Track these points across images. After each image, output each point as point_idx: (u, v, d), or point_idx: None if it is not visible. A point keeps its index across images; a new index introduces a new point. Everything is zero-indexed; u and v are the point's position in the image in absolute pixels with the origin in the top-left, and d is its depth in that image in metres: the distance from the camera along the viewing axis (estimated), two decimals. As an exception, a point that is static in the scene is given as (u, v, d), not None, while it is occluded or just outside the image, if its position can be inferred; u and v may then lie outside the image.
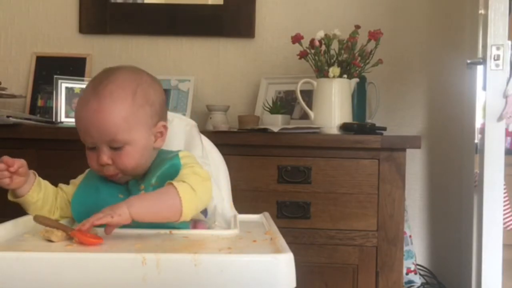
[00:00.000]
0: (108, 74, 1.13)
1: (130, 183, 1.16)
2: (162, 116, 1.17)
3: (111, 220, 0.95)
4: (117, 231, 1.01)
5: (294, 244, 0.97)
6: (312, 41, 1.91)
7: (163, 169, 1.13)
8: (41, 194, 1.16)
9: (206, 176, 1.13)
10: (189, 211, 1.04)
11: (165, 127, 1.18)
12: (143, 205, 1.00)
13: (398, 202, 1.72)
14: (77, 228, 0.96)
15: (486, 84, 1.85)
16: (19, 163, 1.11)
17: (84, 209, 1.12)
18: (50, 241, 0.95)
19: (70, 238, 0.96)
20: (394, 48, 2.24)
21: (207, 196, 1.12)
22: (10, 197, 1.15)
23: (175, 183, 1.05)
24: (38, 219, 1.03)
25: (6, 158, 1.10)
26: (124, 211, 0.97)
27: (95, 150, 1.11)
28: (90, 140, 1.11)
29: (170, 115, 1.30)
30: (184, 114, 2.07)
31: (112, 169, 1.11)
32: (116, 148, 1.09)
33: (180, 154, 1.16)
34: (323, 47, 1.91)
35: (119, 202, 1.02)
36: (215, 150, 1.47)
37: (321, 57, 1.91)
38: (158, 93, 1.16)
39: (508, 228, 2.41)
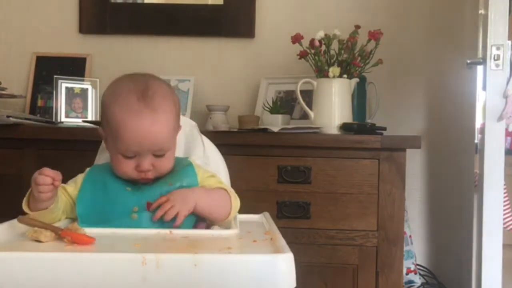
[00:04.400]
0: (145, 82, 1.15)
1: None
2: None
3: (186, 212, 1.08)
4: (116, 231, 1.01)
5: (294, 244, 0.97)
6: (312, 41, 1.91)
7: (177, 170, 1.19)
8: (58, 203, 1.13)
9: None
10: (231, 216, 1.15)
11: (180, 128, 1.24)
12: (207, 201, 1.14)
13: (398, 202, 1.72)
14: (157, 215, 1.05)
15: (486, 84, 1.85)
16: (60, 175, 1.07)
17: (92, 206, 1.14)
18: (39, 241, 0.95)
19: (59, 238, 0.96)
20: (394, 48, 2.24)
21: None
22: (27, 209, 1.09)
23: (227, 188, 1.17)
24: (23, 220, 1.02)
25: (49, 171, 1.05)
26: (192, 203, 1.10)
27: (133, 158, 1.13)
28: (136, 149, 1.12)
29: None
30: (184, 114, 2.07)
31: (151, 174, 1.15)
32: (159, 155, 1.14)
33: (189, 159, 1.26)
34: (323, 47, 1.91)
35: (128, 194, 1.12)
36: (215, 150, 1.47)
37: (321, 57, 1.91)
38: (178, 101, 1.24)
39: (508, 229, 2.40)
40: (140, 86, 1.14)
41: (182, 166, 1.21)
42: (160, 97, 1.14)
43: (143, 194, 1.13)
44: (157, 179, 1.17)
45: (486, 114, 1.84)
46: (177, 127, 1.20)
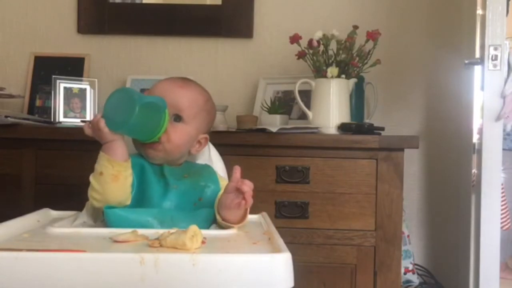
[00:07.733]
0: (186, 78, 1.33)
1: (165, 170, 1.22)
2: (207, 131, 1.33)
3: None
4: (114, 230, 1.02)
5: (292, 244, 0.98)
6: (310, 41, 1.92)
7: (196, 168, 1.30)
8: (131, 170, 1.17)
9: None
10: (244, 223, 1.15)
11: (206, 139, 1.32)
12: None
13: (396, 202, 1.72)
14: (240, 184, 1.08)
15: (484, 84, 1.85)
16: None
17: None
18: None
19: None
20: (392, 48, 2.24)
21: None
22: (108, 159, 1.14)
23: None
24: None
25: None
26: None
27: None
28: None
29: None
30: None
31: (161, 147, 1.21)
32: (175, 120, 1.22)
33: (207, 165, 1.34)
34: (321, 47, 1.92)
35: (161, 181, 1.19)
36: (214, 150, 1.48)
37: (319, 57, 1.91)
38: (214, 111, 1.37)
39: (504, 228, 2.41)
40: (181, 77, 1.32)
41: (208, 172, 1.29)
42: (195, 84, 1.31)
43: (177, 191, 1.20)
44: (184, 177, 1.22)
45: (484, 114, 1.84)
46: (202, 118, 1.27)
